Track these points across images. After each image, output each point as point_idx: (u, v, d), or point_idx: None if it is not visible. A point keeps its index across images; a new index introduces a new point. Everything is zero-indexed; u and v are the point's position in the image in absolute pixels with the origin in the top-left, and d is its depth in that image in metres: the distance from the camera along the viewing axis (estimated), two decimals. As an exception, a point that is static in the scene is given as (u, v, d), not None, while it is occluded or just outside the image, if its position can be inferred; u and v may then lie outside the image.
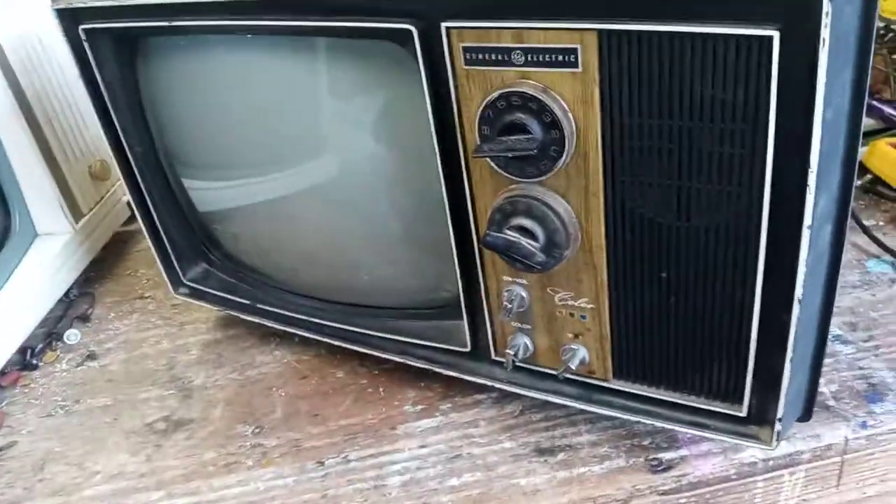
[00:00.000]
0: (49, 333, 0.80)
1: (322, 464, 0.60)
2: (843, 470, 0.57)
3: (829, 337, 0.50)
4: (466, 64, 0.44)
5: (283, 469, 0.60)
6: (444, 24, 0.44)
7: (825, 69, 0.35)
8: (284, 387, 0.68)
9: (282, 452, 0.61)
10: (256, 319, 0.70)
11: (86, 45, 0.60)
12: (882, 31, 0.81)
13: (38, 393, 0.73)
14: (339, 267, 0.65)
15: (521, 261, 0.46)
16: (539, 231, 0.46)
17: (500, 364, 0.57)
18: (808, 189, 0.38)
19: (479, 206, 0.50)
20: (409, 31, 0.45)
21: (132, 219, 0.93)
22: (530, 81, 0.43)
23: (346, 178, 0.59)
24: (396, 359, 0.63)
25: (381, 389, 0.66)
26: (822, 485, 0.57)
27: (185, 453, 0.63)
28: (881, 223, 0.78)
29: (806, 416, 0.52)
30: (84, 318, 0.82)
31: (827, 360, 0.51)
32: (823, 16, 0.33)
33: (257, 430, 0.64)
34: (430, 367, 0.61)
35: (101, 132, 0.84)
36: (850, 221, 0.45)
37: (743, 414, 0.49)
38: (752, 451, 0.55)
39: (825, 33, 0.34)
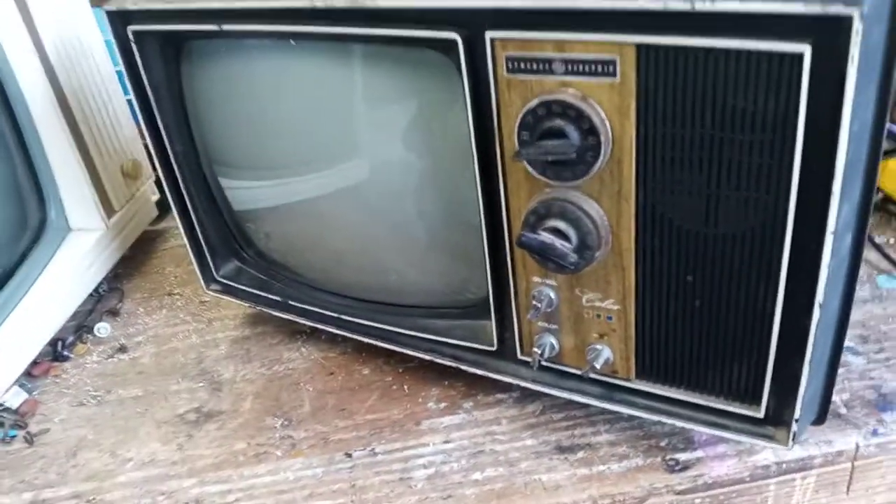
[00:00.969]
0: (80, 326, 0.82)
1: (350, 456, 0.61)
2: (853, 476, 0.59)
3: (842, 346, 0.52)
4: (508, 72, 0.47)
5: (311, 460, 0.62)
6: (488, 34, 0.46)
7: (854, 85, 0.37)
8: (312, 382, 0.70)
9: (310, 444, 0.63)
10: (287, 316, 0.72)
11: (134, 46, 0.62)
12: None
13: (70, 383, 0.75)
14: (368, 267, 0.67)
15: (554, 261, 0.48)
16: (572, 233, 0.48)
17: (525, 363, 0.59)
18: (832, 196, 0.41)
19: (514, 208, 0.52)
20: (454, 41, 0.47)
21: (160, 217, 0.96)
22: (570, 90, 0.45)
23: (379, 181, 0.61)
24: (424, 356, 0.65)
25: (405, 387, 0.68)
26: (833, 490, 0.59)
27: (216, 443, 0.65)
28: (892, 240, 0.80)
29: (820, 419, 0.54)
30: (114, 313, 0.84)
31: (839, 371, 0.53)
32: (854, 34, 0.36)
33: (286, 423, 0.66)
34: (457, 365, 0.63)
35: (136, 132, 0.87)
36: (864, 234, 0.47)
37: (760, 415, 0.51)
38: (765, 454, 0.57)
39: (854, 51, 0.36)
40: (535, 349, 0.57)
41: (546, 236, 0.48)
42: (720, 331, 0.50)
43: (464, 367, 0.63)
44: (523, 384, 0.60)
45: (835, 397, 0.60)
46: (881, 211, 0.84)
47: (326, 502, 0.58)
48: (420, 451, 0.61)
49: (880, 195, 0.84)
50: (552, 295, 0.54)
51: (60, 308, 0.79)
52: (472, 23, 0.46)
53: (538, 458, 0.59)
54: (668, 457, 0.58)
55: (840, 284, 0.48)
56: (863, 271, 0.74)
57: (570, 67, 0.44)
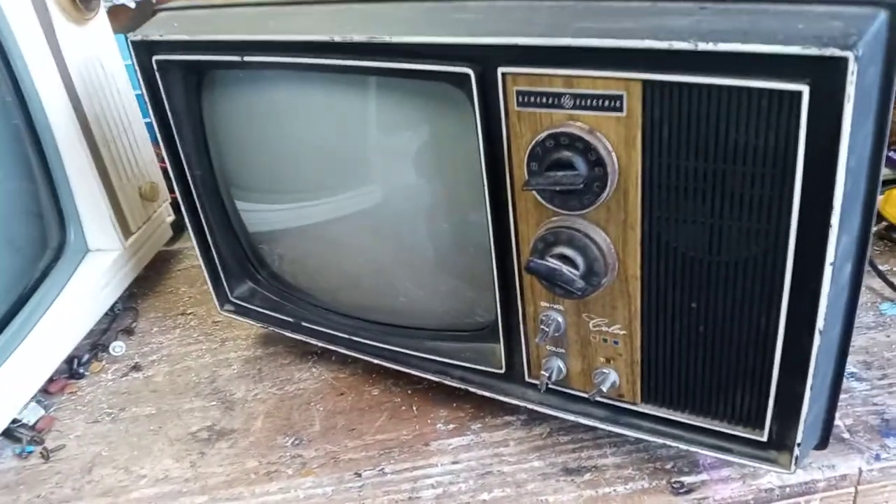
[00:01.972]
0: (95, 345, 0.84)
1: (359, 475, 0.63)
2: (856, 501, 0.60)
3: (845, 374, 0.53)
4: (519, 105, 0.49)
5: (321, 479, 0.63)
6: (500, 70, 0.48)
7: (850, 122, 0.39)
8: (322, 402, 0.71)
9: (320, 463, 0.64)
10: (299, 336, 0.74)
11: (157, 74, 0.64)
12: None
13: (85, 400, 0.76)
14: (379, 289, 0.69)
15: (561, 286, 0.50)
16: (580, 260, 0.50)
17: (533, 386, 0.61)
18: (831, 229, 0.42)
19: (522, 235, 0.53)
20: (468, 75, 0.49)
21: (175, 238, 0.98)
22: (578, 123, 0.47)
23: (391, 206, 0.63)
24: (433, 378, 0.66)
25: (414, 408, 0.69)
26: (836, 514, 0.60)
27: (228, 461, 0.66)
28: (895, 268, 0.81)
29: (822, 444, 0.55)
30: (128, 332, 0.86)
31: (842, 396, 0.54)
32: (849, 74, 0.37)
33: (297, 442, 0.67)
34: (466, 387, 0.64)
35: (153, 154, 0.89)
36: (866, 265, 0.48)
37: (764, 439, 0.52)
38: (769, 478, 0.58)
39: (850, 90, 0.38)
40: (543, 372, 0.58)
41: (554, 263, 0.50)
42: (724, 356, 0.51)
43: (472, 389, 0.64)
44: (531, 406, 0.62)
45: (838, 422, 0.61)
46: (885, 240, 0.85)
47: (336, 521, 0.59)
48: (429, 472, 0.62)
49: (884, 224, 0.85)
50: (560, 319, 0.55)
51: (77, 327, 0.81)
52: (485, 58, 0.48)
53: (545, 480, 0.60)
54: (673, 479, 0.59)
55: (841, 311, 0.49)
56: (866, 298, 0.76)
57: (578, 102, 0.46)
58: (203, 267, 0.75)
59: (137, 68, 0.66)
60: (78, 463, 0.68)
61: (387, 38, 0.51)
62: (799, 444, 0.51)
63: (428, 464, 0.63)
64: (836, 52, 0.37)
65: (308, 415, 0.70)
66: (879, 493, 0.59)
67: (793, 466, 0.52)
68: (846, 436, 0.61)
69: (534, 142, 0.48)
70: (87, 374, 0.80)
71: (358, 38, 0.52)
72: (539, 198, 0.51)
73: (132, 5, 1.09)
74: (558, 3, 0.49)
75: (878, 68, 0.40)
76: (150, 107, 0.67)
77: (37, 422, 0.73)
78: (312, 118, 0.63)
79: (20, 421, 0.72)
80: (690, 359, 0.52)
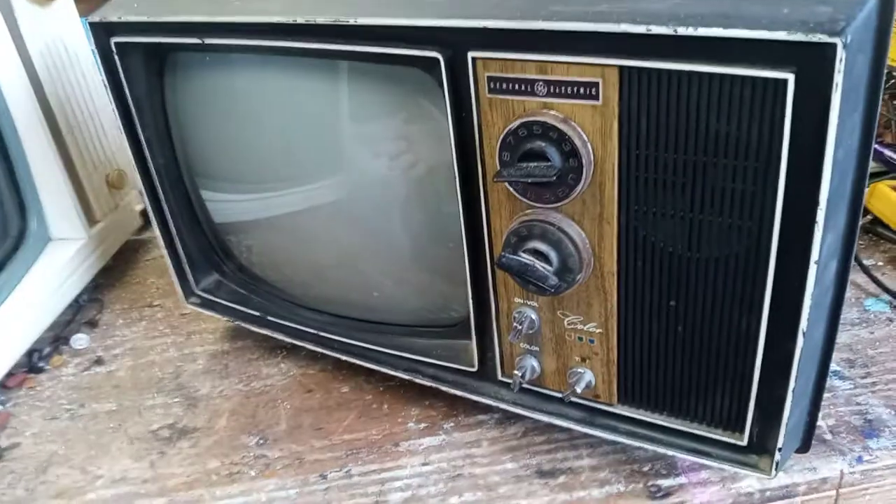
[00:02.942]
0: (57, 337, 0.81)
1: (325, 477, 0.60)
2: (837, 504, 0.58)
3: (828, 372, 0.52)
4: (490, 92, 0.46)
5: (285, 481, 0.60)
6: (470, 54, 0.45)
7: (837, 112, 0.36)
8: (289, 399, 0.69)
9: (285, 464, 0.62)
10: (266, 331, 0.71)
11: (116, 58, 0.61)
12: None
13: (44, 396, 0.73)
14: (349, 282, 0.66)
15: (534, 283, 0.48)
16: (553, 255, 0.48)
17: (506, 385, 0.58)
18: (816, 225, 0.40)
19: (495, 228, 0.51)
20: (437, 59, 0.47)
21: (143, 228, 0.95)
22: (552, 112, 0.44)
23: (361, 197, 0.61)
24: (403, 376, 0.64)
25: (385, 406, 0.67)
26: (817, 518, 0.59)
27: (189, 461, 0.63)
28: (880, 263, 0.79)
29: (804, 447, 0.53)
30: (92, 324, 0.83)
31: (825, 395, 0.52)
32: (837, 62, 0.35)
33: (261, 441, 0.64)
34: (437, 386, 0.62)
35: (122, 142, 0.86)
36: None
37: (744, 443, 0.50)
38: (749, 482, 0.56)
39: (838, 79, 0.36)
40: (517, 371, 0.56)
41: (526, 258, 0.47)
42: (703, 357, 0.49)
43: (444, 388, 0.62)
44: (503, 406, 0.60)
45: (820, 422, 0.59)
46: (870, 234, 0.84)
47: (300, 525, 0.57)
48: (397, 474, 0.60)
49: (869, 217, 0.83)
50: (534, 316, 0.53)
51: (38, 318, 0.78)
52: (455, 42, 0.46)
53: (518, 483, 0.58)
54: (650, 483, 0.57)
55: (825, 312, 0.47)
56: (851, 294, 0.74)
57: (552, 89, 0.44)
58: (167, 258, 0.72)
59: (97, 51, 0.63)
60: (33, 462, 0.65)
61: (352, 21, 0.48)
62: (780, 449, 0.49)
63: (397, 465, 0.61)
64: (824, 39, 0.35)
65: (274, 413, 0.68)
66: (861, 496, 0.58)
67: (774, 471, 0.50)
68: (828, 437, 0.59)
69: (506, 130, 0.46)
70: (47, 368, 0.77)
71: (322, 20, 0.50)
72: (512, 190, 0.48)
73: (100, -14, 1.06)
74: (533, -15, 0.47)
75: (867, 56, 0.38)
76: (110, 91, 0.64)
77: (-8, 418, 0.70)
78: (279, 104, 0.60)
79: (-26, 418, 0.69)
80: (668, 359, 0.50)
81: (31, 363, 0.77)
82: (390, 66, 0.51)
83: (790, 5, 0.37)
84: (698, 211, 0.44)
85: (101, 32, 0.61)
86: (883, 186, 0.83)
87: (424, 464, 0.61)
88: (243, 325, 0.73)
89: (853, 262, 0.46)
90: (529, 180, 0.46)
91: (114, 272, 0.92)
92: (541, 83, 0.44)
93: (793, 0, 0.38)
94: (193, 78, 0.63)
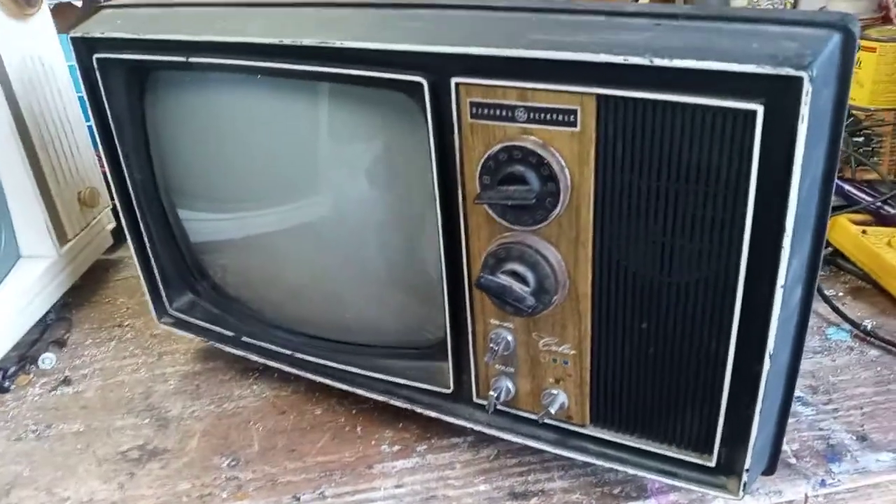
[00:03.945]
0: (23, 357, 0.79)
1: (298, 499, 0.60)
2: (802, 527, 0.59)
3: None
4: (472, 117, 0.47)
5: (257, 502, 0.60)
6: (453, 80, 0.47)
7: (804, 143, 0.38)
8: (262, 421, 0.68)
9: (257, 486, 0.61)
10: (240, 352, 0.71)
11: (97, 74, 0.62)
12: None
13: (9, 416, 0.72)
14: (325, 303, 0.67)
15: (511, 304, 0.49)
16: (530, 276, 0.49)
17: (481, 407, 0.59)
18: (783, 251, 0.42)
19: (474, 250, 0.52)
20: (420, 84, 0.48)
21: (114, 247, 0.94)
22: (531, 137, 0.46)
23: (339, 218, 0.61)
24: (379, 398, 0.64)
25: (358, 428, 0.67)
26: (782, 541, 0.60)
27: (159, 483, 0.62)
28: (840, 293, 0.82)
29: (770, 469, 0.55)
30: (60, 343, 0.82)
31: (789, 420, 0.54)
32: (804, 94, 0.37)
33: (233, 463, 0.64)
34: (412, 407, 0.62)
35: (95, 160, 0.85)
36: (814, 288, 0.48)
37: (712, 464, 0.51)
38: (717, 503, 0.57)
39: (804, 111, 0.38)
40: (492, 392, 0.56)
41: (504, 279, 0.48)
42: (673, 379, 0.50)
43: (419, 410, 0.62)
44: (478, 428, 0.60)
45: (785, 447, 0.61)
46: (831, 265, 0.86)
47: (272, 547, 0.56)
48: (371, 496, 0.60)
49: (829, 249, 0.86)
50: (509, 338, 0.54)
51: (4, 337, 0.76)
52: (439, 67, 0.47)
53: (491, 505, 0.58)
54: (620, 505, 0.58)
55: (790, 335, 0.49)
56: (813, 323, 0.77)
57: (532, 115, 0.45)
58: (141, 277, 0.71)
59: (78, 66, 0.63)
60: (-4, 483, 0.64)
61: (337, 44, 0.50)
62: (747, 470, 0.50)
63: (370, 487, 0.61)
64: (791, 72, 0.37)
65: (247, 434, 0.67)
66: (825, 519, 0.59)
67: (741, 493, 0.51)
68: (793, 461, 0.60)
69: (486, 155, 0.47)
70: (12, 387, 0.75)
71: (308, 41, 0.51)
72: (491, 212, 0.49)
73: (79, 3, 1.06)
74: (513, 15, 0.48)
75: (831, 91, 0.40)
76: (90, 107, 0.64)
77: (-46, 438, 0.68)
78: (260, 125, 0.61)
79: (-65, 437, 0.68)
80: (639, 381, 0.51)
81: (-4, 382, 0.75)
82: (372, 88, 0.52)
83: (760, 40, 0.40)
84: (670, 236, 0.45)
85: (83, 48, 0.62)
86: (843, 220, 0.86)
87: (398, 486, 0.60)
88: (217, 345, 0.72)
89: (815, 293, 0.48)
90: (509, 203, 0.47)
91: (83, 291, 0.90)
92: (521, 109, 0.45)
93: (762, 36, 0.40)
94: (175, 96, 0.63)
